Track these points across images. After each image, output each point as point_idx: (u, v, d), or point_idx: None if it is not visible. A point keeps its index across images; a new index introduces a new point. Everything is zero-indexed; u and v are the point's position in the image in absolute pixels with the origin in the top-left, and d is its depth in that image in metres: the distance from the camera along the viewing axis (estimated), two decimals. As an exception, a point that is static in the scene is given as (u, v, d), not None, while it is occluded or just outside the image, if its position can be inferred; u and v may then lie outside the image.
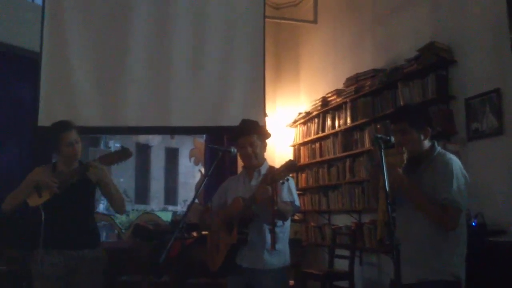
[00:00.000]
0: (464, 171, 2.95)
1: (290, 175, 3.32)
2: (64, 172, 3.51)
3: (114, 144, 18.43)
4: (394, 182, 2.82)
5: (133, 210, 17.25)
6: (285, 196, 3.47)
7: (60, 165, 3.59)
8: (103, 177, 3.49)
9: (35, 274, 3.43)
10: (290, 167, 3.19)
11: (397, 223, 2.93)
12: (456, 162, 2.94)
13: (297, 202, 3.58)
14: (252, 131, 3.62)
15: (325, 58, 7.79)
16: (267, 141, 3.77)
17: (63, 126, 3.59)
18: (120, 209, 3.73)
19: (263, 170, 3.61)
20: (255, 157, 3.60)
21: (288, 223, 3.59)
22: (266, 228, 3.43)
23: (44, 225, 3.40)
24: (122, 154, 3.49)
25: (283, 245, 3.54)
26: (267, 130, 3.79)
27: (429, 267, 2.84)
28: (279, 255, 3.49)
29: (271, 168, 3.58)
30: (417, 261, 2.87)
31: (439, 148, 3.04)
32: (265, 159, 3.71)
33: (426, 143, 3.02)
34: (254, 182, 3.59)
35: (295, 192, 3.59)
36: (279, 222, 3.47)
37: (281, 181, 3.20)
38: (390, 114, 3.04)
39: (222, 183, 3.89)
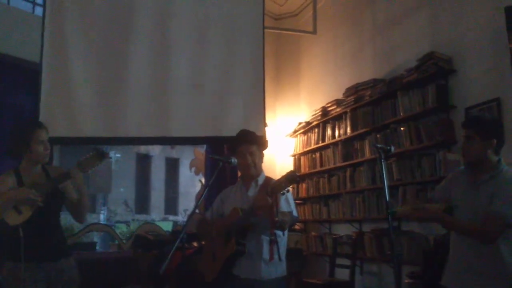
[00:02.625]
0: None
1: (290, 186, 3.32)
2: (40, 182, 3.32)
3: (115, 155, 18.43)
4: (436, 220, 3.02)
5: (133, 220, 17.22)
6: (284, 207, 3.46)
7: (23, 170, 3.41)
8: (81, 186, 3.40)
9: None
10: (291, 178, 3.18)
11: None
12: None
13: (295, 213, 3.58)
14: (252, 141, 3.64)
15: (325, 68, 7.81)
16: (264, 152, 3.78)
17: (35, 123, 3.49)
18: (82, 218, 3.61)
19: (260, 180, 3.63)
20: (253, 167, 3.61)
21: (285, 233, 3.58)
22: (264, 238, 3.44)
23: (24, 240, 3.17)
24: (98, 157, 3.30)
25: (281, 256, 3.53)
26: (265, 140, 3.79)
27: (496, 278, 2.90)
28: (276, 265, 3.48)
29: (269, 179, 3.61)
30: (483, 272, 2.93)
31: (504, 165, 3.07)
32: (262, 170, 3.72)
33: (491, 155, 3.05)
34: (251, 193, 3.59)
35: (293, 203, 3.60)
36: (278, 233, 3.47)
37: (281, 192, 3.20)
38: (464, 120, 3.21)
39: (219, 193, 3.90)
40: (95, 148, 3.37)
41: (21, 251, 3.15)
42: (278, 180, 3.23)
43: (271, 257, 3.37)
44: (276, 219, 3.20)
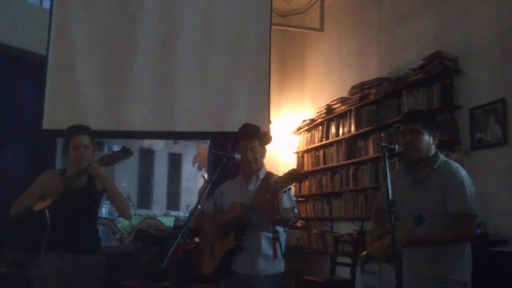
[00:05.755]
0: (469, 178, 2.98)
1: (293, 184, 3.32)
2: (68, 176, 3.53)
3: (118, 149, 18.52)
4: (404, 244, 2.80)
5: (135, 215, 17.28)
6: (286, 203, 3.46)
7: (69, 169, 3.62)
8: (104, 178, 3.51)
9: (35, 277, 3.46)
10: (293, 177, 3.17)
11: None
12: (462, 169, 2.98)
13: (296, 209, 3.57)
14: (253, 136, 3.62)
15: (330, 66, 7.80)
16: (268, 147, 3.77)
17: (74, 129, 3.67)
18: (124, 214, 3.74)
19: (261, 175, 3.63)
20: (254, 162, 3.59)
21: (285, 229, 3.60)
22: (262, 235, 3.45)
23: (49, 228, 3.42)
24: (122, 154, 3.53)
25: (280, 252, 3.53)
26: (268, 135, 3.77)
27: (439, 277, 2.86)
28: (274, 261, 3.48)
29: (270, 174, 3.61)
30: (428, 271, 2.89)
31: (442, 156, 3.05)
32: (263, 165, 3.71)
33: (433, 149, 3.03)
34: (251, 187, 3.59)
35: (293, 200, 3.60)
36: (281, 230, 3.47)
37: (283, 190, 3.20)
38: (402, 116, 3.10)
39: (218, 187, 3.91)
40: (123, 146, 3.61)
41: (45, 237, 3.35)
42: (280, 177, 3.22)
43: (275, 255, 3.41)
44: (278, 217, 3.20)
